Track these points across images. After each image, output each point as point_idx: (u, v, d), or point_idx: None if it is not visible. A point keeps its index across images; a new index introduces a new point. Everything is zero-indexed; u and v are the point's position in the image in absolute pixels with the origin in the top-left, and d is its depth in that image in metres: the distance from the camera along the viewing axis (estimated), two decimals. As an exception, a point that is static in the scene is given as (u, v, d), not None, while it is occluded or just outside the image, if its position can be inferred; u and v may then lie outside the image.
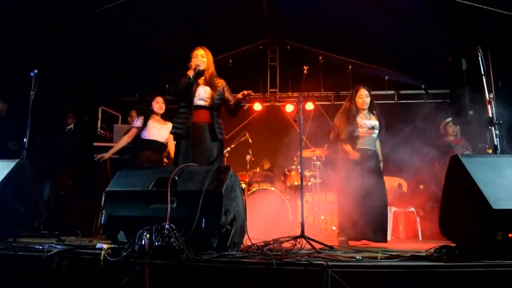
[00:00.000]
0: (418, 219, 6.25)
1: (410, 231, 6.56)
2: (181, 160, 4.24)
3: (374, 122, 5.05)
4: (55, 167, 6.11)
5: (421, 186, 6.42)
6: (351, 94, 5.26)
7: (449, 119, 6.22)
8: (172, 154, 5.47)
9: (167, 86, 8.61)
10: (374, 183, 4.86)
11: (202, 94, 4.41)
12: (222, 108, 4.61)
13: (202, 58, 4.47)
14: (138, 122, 5.52)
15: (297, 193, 6.70)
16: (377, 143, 5.17)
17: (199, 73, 4.43)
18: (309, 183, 6.94)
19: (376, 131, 5.05)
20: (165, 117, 5.68)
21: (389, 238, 5.92)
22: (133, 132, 5.53)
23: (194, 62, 4.41)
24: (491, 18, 4.75)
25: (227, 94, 4.56)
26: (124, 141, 5.53)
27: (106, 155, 5.45)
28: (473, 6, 4.68)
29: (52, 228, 5.13)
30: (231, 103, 4.55)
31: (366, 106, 5.09)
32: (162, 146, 5.52)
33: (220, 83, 4.56)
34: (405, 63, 7.68)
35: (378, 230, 4.84)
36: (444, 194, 3.19)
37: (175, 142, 4.50)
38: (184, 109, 4.41)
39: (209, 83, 4.49)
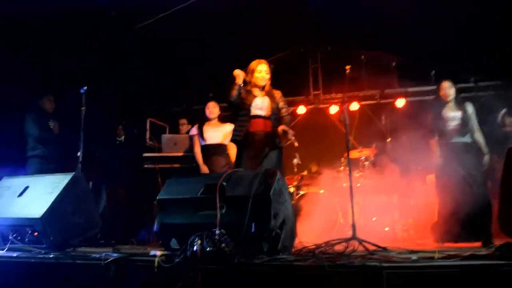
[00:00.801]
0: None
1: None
2: (240, 167, 4.39)
3: (458, 113, 4.93)
4: (109, 179, 6.33)
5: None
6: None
7: (504, 110, 5.95)
8: (231, 154, 5.56)
9: (210, 94, 8.77)
10: (469, 177, 4.69)
11: (260, 104, 4.59)
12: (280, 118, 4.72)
13: (266, 74, 4.67)
14: (194, 130, 5.69)
15: (346, 194, 6.59)
16: (477, 134, 4.97)
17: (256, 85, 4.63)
18: (358, 184, 6.80)
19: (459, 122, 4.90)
20: (222, 119, 5.84)
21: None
22: (195, 140, 5.69)
23: (243, 78, 4.55)
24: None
25: (281, 105, 4.73)
26: (198, 151, 5.68)
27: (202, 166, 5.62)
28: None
29: (108, 238, 5.31)
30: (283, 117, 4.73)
31: (451, 98, 4.99)
32: (221, 146, 5.60)
33: (278, 94, 4.76)
34: (451, 56, 7.39)
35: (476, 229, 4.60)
36: (503, 188, 3.04)
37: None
38: (242, 118, 4.61)
39: (268, 93, 4.67)
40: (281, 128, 4.47)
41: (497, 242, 3.01)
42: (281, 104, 4.71)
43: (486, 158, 4.89)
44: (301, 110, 8.64)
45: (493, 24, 5.69)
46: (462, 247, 4.30)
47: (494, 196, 4.22)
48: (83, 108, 4.88)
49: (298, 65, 8.88)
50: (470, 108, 4.99)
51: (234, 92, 4.50)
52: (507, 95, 5.60)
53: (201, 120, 5.86)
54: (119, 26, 6.35)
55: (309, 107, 8.79)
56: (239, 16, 6.76)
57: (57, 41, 6.05)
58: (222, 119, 5.86)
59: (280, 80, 6.24)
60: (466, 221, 4.55)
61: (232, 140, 4.69)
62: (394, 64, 8.30)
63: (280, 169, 4.45)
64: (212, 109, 5.72)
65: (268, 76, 4.68)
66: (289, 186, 6.77)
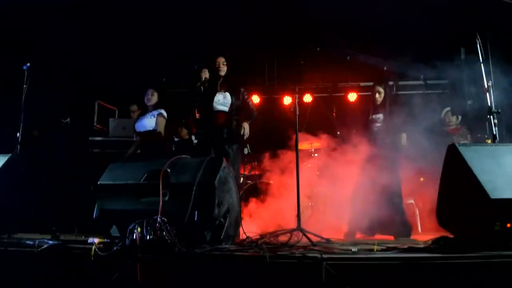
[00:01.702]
0: (417, 211, 6.19)
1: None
2: None
3: (380, 115, 5.13)
4: (51, 161, 6.05)
5: (422, 179, 6.35)
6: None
7: (447, 108, 6.16)
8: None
9: (164, 79, 8.58)
10: (386, 175, 4.81)
11: (222, 100, 4.70)
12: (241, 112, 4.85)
13: (223, 66, 4.81)
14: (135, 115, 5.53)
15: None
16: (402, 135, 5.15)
17: (216, 79, 4.75)
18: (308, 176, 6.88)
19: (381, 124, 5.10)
20: (156, 105, 5.60)
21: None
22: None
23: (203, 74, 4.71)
24: (491, 5, 4.67)
25: (244, 100, 4.88)
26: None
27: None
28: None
29: (49, 224, 5.09)
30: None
31: (378, 102, 5.20)
32: (152, 133, 5.42)
33: (239, 88, 4.90)
34: (403, 53, 7.58)
35: (396, 224, 4.79)
36: (441, 184, 3.14)
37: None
38: (205, 114, 4.76)
39: (228, 88, 4.80)
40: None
41: (436, 235, 3.10)
42: (243, 101, 4.86)
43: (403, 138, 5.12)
44: (255, 99, 8.60)
45: (441, 24, 5.86)
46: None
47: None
48: (25, 86, 4.62)
49: (254, 53, 8.81)
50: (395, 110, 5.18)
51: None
52: (451, 94, 5.80)
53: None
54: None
55: (263, 96, 8.76)
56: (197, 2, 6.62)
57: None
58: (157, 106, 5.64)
59: (234, 68, 6.18)
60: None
61: (196, 137, 4.99)
62: (348, 58, 8.41)
63: (238, 163, 4.88)
64: (150, 96, 5.50)
65: (225, 68, 4.80)
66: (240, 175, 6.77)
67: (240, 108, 4.80)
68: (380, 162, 4.89)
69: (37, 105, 5.10)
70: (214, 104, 4.68)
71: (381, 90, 5.20)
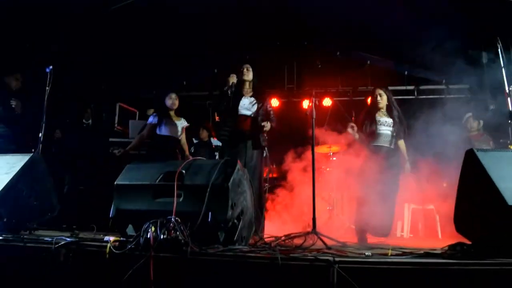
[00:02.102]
0: (437, 217, 6.10)
1: (429, 229, 6.41)
2: None
3: (389, 119, 5.09)
4: (73, 162, 6.17)
5: (445, 184, 6.25)
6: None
7: (469, 114, 6.06)
8: (187, 149, 5.53)
9: (184, 83, 8.68)
10: (387, 180, 4.83)
11: (247, 105, 4.81)
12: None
13: (247, 71, 4.92)
14: (153, 119, 5.53)
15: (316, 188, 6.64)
16: (400, 142, 5.20)
17: (242, 84, 4.88)
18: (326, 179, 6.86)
19: (390, 128, 5.06)
20: (178, 113, 5.67)
21: (406, 235, 5.82)
22: (148, 128, 5.53)
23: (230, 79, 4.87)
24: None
25: (268, 108, 4.99)
26: (141, 138, 5.54)
27: (127, 151, 5.49)
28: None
29: (70, 222, 5.20)
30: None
31: (381, 106, 5.18)
32: (176, 141, 5.50)
33: (265, 94, 5.07)
34: (425, 57, 7.49)
35: (380, 224, 4.80)
36: (459, 190, 3.09)
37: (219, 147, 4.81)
38: (229, 118, 4.82)
39: (254, 94, 4.93)
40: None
41: (456, 241, 3.03)
42: (267, 107, 4.96)
43: (407, 165, 5.20)
44: (275, 103, 8.61)
45: (465, 29, 5.78)
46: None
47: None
48: (47, 87, 4.74)
49: (274, 58, 8.83)
50: (400, 115, 5.20)
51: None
52: (473, 99, 5.70)
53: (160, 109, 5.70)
54: (93, 6, 6.16)
55: (283, 100, 8.76)
56: (217, 6, 6.66)
57: (24, 16, 5.84)
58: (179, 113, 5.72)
59: (255, 72, 6.22)
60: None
61: (219, 139, 5.02)
62: (368, 62, 8.36)
63: (261, 167, 4.85)
64: (174, 100, 5.55)
65: (250, 73, 4.92)
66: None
67: (264, 113, 4.88)
68: (386, 166, 4.86)
69: (60, 106, 5.21)
70: (240, 108, 4.76)
71: (382, 92, 5.18)
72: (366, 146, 5.09)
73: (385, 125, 5.05)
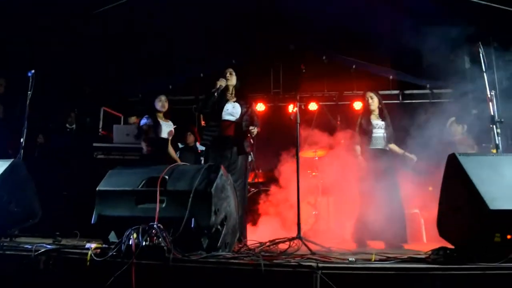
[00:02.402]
0: (422, 221, 6.13)
1: (414, 233, 6.44)
2: None
3: (381, 122, 5.19)
4: (55, 167, 6.08)
5: (430, 188, 6.29)
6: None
7: (453, 118, 6.13)
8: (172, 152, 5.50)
9: (170, 87, 8.64)
10: (387, 182, 4.87)
11: (231, 110, 4.75)
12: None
13: (230, 76, 4.87)
14: (147, 121, 5.44)
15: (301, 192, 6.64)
16: (392, 145, 5.31)
17: (225, 89, 4.80)
18: (312, 184, 6.85)
19: (383, 131, 5.16)
20: (168, 115, 5.64)
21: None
22: (150, 130, 5.44)
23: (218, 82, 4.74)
24: (494, 14, 4.66)
25: (252, 113, 4.92)
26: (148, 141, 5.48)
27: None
28: (476, 2, 4.60)
29: (53, 229, 5.11)
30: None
31: (373, 108, 5.27)
32: (167, 143, 5.49)
33: (248, 99, 5.02)
34: (409, 62, 7.57)
35: (394, 231, 4.81)
36: (442, 194, 3.11)
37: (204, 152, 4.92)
38: (213, 122, 4.76)
39: (238, 99, 4.88)
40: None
41: (441, 245, 3.05)
42: (251, 112, 4.92)
43: (406, 153, 5.30)
44: (260, 107, 8.61)
45: (448, 34, 5.85)
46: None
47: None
48: (29, 92, 4.66)
49: (260, 62, 8.85)
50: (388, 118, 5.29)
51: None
52: (457, 103, 5.76)
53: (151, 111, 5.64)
54: (76, 9, 6.10)
55: (269, 104, 8.77)
56: (203, 11, 6.64)
57: (4, 19, 5.75)
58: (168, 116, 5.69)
59: (240, 76, 6.19)
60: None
61: (202, 144, 4.79)
62: (353, 67, 8.41)
63: (246, 173, 4.79)
64: (164, 102, 5.52)
65: (233, 78, 4.88)
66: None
67: (248, 118, 4.83)
68: (384, 169, 4.91)
69: (42, 111, 5.13)
70: (223, 113, 4.72)
71: (372, 95, 5.28)
72: (364, 151, 5.13)
73: (379, 127, 5.11)
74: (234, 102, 4.83)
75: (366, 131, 5.14)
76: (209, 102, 4.68)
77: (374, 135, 5.12)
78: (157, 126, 5.37)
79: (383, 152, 5.09)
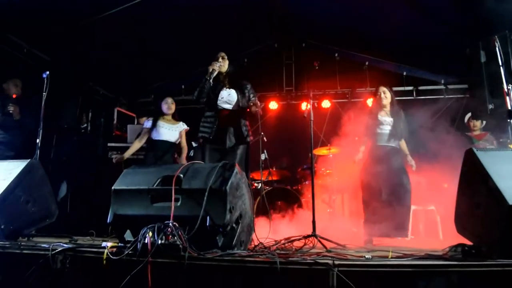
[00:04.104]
0: (438, 217, 6.06)
1: (430, 230, 6.37)
2: (207, 161, 4.32)
3: (390, 118, 5.06)
4: (71, 167, 6.16)
5: (446, 185, 6.22)
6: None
7: (469, 114, 6.06)
8: (185, 152, 5.50)
9: (182, 86, 8.66)
10: (396, 179, 4.86)
11: (226, 97, 4.49)
12: (247, 110, 4.63)
13: (222, 60, 4.58)
14: (148, 123, 5.51)
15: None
16: (403, 141, 5.28)
17: (219, 75, 4.53)
18: (326, 181, 6.82)
19: (391, 128, 5.10)
20: (176, 117, 5.66)
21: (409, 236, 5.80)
22: (144, 133, 5.52)
23: (211, 66, 4.47)
24: (510, 7, 4.58)
25: (251, 96, 4.63)
26: (137, 143, 5.53)
27: (124, 156, 5.45)
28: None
29: (69, 228, 5.16)
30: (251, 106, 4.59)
31: (385, 103, 5.19)
32: (173, 145, 5.49)
33: (244, 84, 4.66)
34: (423, 58, 7.48)
35: (398, 225, 4.78)
36: (459, 190, 3.06)
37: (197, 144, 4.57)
38: (209, 113, 4.51)
39: (232, 85, 4.59)
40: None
41: (458, 242, 3.00)
42: (251, 95, 4.65)
43: (409, 157, 5.27)
44: (273, 105, 8.59)
45: (463, 28, 5.76)
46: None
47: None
48: (44, 93, 4.72)
49: (272, 60, 8.83)
50: (402, 115, 5.20)
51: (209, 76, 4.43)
52: (473, 98, 5.68)
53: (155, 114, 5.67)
54: (89, 10, 6.14)
55: (281, 103, 8.74)
56: (212, 9, 6.63)
57: (21, 22, 5.82)
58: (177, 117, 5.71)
59: (252, 75, 6.18)
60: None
61: (199, 137, 4.52)
62: (366, 64, 8.34)
63: (246, 164, 4.52)
64: (170, 104, 5.55)
65: (226, 63, 4.62)
66: (257, 181, 6.75)
67: (246, 105, 4.58)
68: (390, 165, 4.87)
69: (57, 112, 5.19)
70: (219, 101, 4.49)
71: (386, 90, 5.20)
72: (370, 147, 5.10)
73: (387, 124, 5.06)
74: (229, 88, 4.56)
75: (372, 127, 5.09)
76: (204, 90, 4.44)
77: (379, 131, 5.05)
78: (153, 130, 5.41)
79: (389, 149, 5.04)
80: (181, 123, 5.58)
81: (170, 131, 5.44)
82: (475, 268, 2.33)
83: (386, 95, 5.17)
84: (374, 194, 4.86)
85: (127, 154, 5.46)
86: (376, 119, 5.11)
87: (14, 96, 5.64)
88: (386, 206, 4.75)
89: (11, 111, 5.47)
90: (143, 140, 5.49)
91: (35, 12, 5.57)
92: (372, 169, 4.92)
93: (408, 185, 4.99)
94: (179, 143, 5.55)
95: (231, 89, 4.55)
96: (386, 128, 5.07)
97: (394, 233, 4.77)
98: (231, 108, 4.51)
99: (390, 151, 5.04)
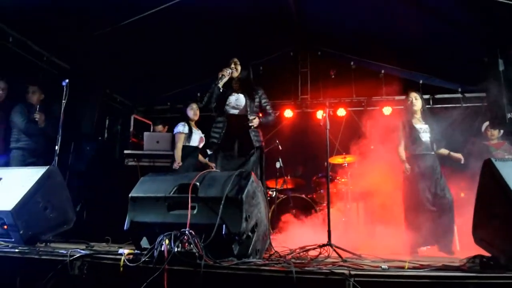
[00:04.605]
0: (455, 228, 5.98)
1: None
2: (219, 169, 4.28)
3: (425, 125, 5.02)
4: (88, 174, 6.23)
5: (462, 194, 6.15)
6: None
7: (487, 122, 5.99)
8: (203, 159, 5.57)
9: (198, 94, 8.71)
10: (439, 191, 4.85)
11: (234, 102, 4.45)
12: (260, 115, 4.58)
13: (235, 65, 4.54)
14: (185, 129, 5.57)
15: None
16: (439, 146, 5.24)
17: (231, 81, 4.50)
18: (341, 190, 6.80)
19: (429, 135, 5.07)
20: (197, 123, 5.76)
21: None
22: (183, 139, 5.57)
23: (221, 72, 4.44)
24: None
25: (263, 102, 4.59)
26: (180, 148, 5.59)
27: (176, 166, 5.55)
28: (509, 3, 4.48)
29: (86, 234, 5.22)
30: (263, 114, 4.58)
31: (417, 109, 5.15)
32: (198, 151, 5.59)
33: (254, 89, 4.60)
34: (440, 66, 7.42)
35: (442, 239, 4.76)
36: (477, 200, 3.02)
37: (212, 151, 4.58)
38: (219, 118, 4.48)
39: (242, 90, 4.55)
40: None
41: (475, 253, 2.96)
42: (262, 102, 4.60)
43: (452, 153, 5.22)
44: (288, 113, 8.60)
45: (480, 36, 5.71)
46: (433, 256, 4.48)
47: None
48: (64, 100, 4.81)
49: (287, 68, 8.85)
50: (434, 121, 5.19)
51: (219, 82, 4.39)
52: (491, 107, 5.62)
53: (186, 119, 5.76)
54: (107, 21, 6.24)
55: (297, 111, 8.75)
56: (228, 17, 6.68)
57: (41, 29, 5.94)
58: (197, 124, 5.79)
59: (268, 83, 6.20)
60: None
61: (210, 143, 4.48)
62: (382, 72, 8.31)
63: (261, 171, 4.42)
64: (196, 110, 5.66)
65: (237, 68, 4.56)
66: (271, 189, 6.76)
67: (258, 109, 4.53)
68: (433, 175, 4.82)
69: (75, 120, 5.28)
70: (227, 107, 4.45)
71: (417, 96, 5.15)
72: (409, 156, 5.04)
73: (424, 131, 5.02)
74: (238, 93, 4.51)
75: (410, 135, 5.03)
76: (213, 96, 4.39)
77: (419, 140, 4.99)
78: (191, 134, 5.47)
79: (430, 157, 4.98)
80: (199, 130, 5.66)
81: (197, 136, 5.53)
82: (493, 280, 2.30)
83: (417, 101, 5.12)
84: (418, 206, 4.80)
85: (177, 160, 5.53)
86: (412, 126, 5.05)
87: (37, 103, 5.73)
88: (431, 219, 4.71)
89: (36, 119, 5.57)
90: (181, 145, 5.56)
91: (54, 21, 5.69)
92: (416, 178, 4.87)
93: (450, 196, 4.95)
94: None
95: (239, 94, 4.51)
96: (425, 136, 5.00)
97: (440, 247, 4.74)
98: (237, 113, 4.45)
99: (432, 159, 4.98)
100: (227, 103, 4.44)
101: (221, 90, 4.40)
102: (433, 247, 4.88)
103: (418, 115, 5.14)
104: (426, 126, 5.06)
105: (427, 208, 4.75)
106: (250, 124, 4.32)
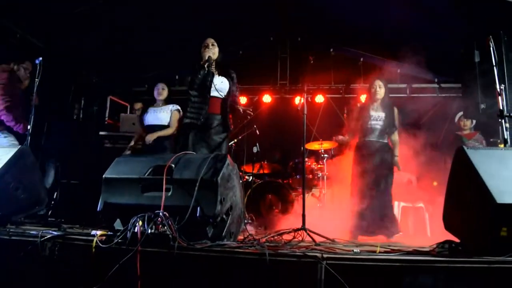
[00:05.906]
0: (427, 215, 6.12)
1: (419, 227, 6.43)
2: (190, 149, 4.21)
3: (381, 114, 5.04)
4: (61, 155, 6.11)
5: (435, 183, 6.28)
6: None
7: (461, 113, 6.10)
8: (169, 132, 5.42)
9: (176, 76, 8.62)
10: (380, 176, 4.83)
11: (219, 85, 4.42)
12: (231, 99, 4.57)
13: (212, 46, 4.47)
14: (140, 111, 5.54)
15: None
16: (393, 136, 5.25)
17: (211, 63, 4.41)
18: (317, 176, 6.85)
19: (381, 123, 5.07)
20: (168, 101, 5.63)
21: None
22: (138, 122, 5.54)
23: (205, 53, 4.38)
24: (505, 7, 4.60)
25: (235, 90, 4.59)
26: (139, 131, 5.55)
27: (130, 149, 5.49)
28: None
29: (59, 216, 5.15)
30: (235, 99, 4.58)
31: (379, 97, 5.17)
32: (163, 127, 5.42)
33: (230, 73, 4.58)
34: (417, 56, 7.49)
35: (384, 224, 4.82)
36: (449, 187, 3.09)
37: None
38: (196, 98, 4.39)
39: (224, 73, 4.51)
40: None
41: (443, 238, 3.03)
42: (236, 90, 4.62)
43: (396, 159, 5.21)
44: (267, 99, 8.59)
45: (457, 28, 5.78)
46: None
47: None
48: (37, 79, 4.67)
49: (267, 53, 8.81)
50: (395, 110, 5.20)
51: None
52: (465, 98, 5.72)
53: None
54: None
55: (275, 96, 8.74)
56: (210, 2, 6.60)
57: (15, 7, 5.76)
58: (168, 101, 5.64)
59: (247, 68, 6.15)
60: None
61: (186, 123, 4.37)
62: (361, 60, 8.35)
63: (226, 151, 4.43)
64: (161, 90, 5.52)
65: (215, 50, 4.50)
66: (248, 174, 6.77)
67: (237, 95, 4.58)
68: (379, 162, 4.90)
69: (49, 99, 5.12)
70: (211, 89, 4.36)
71: (381, 84, 5.18)
72: (358, 141, 5.11)
73: (377, 119, 5.06)
74: (220, 76, 4.46)
75: (362, 121, 5.08)
76: (199, 77, 4.30)
77: (370, 126, 5.05)
78: (144, 116, 5.41)
79: (379, 145, 5.05)
80: (171, 104, 5.51)
81: (161, 113, 5.39)
82: (461, 264, 2.36)
83: (381, 89, 5.16)
84: (362, 190, 4.88)
85: (135, 143, 5.51)
86: (367, 113, 5.10)
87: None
88: (369, 200, 4.79)
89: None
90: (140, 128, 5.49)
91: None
92: (362, 165, 4.94)
93: (390, 182, 5.03)
94: (171, 124, 5.45)
95: (223, 77, 4.47)
96: (378, 124, 5.07)
97: (383, 232, 4.81)
98: (222, 97, 4.42)
99: (380, 147, 5.05)
100: (213, 85, 4.34)
101: (206, 71, 4.31)
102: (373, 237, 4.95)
103: (378, 103, 5.17)
104: (383, 114, 5.09)
105: (367, 194, 4.83)
106: (241, 109, 4.45)
